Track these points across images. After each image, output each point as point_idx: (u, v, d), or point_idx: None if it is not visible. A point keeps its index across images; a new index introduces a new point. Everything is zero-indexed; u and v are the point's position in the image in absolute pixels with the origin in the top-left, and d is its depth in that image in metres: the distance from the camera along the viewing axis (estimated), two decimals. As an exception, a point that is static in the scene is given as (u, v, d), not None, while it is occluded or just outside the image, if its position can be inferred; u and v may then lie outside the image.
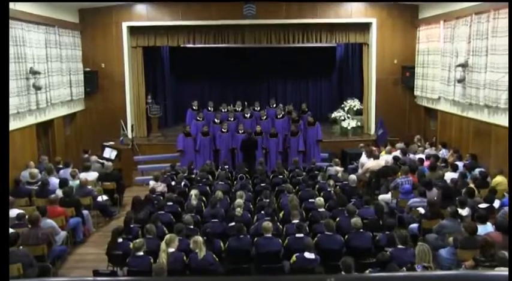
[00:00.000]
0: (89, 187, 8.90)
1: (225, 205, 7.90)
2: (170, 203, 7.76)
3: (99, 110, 13.52)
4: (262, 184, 9.02)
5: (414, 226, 7.36)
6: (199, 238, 5.77)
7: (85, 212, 8.33)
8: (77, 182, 8.85)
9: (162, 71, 15.89)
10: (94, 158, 10.66)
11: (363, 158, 10.71)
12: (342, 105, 14.51)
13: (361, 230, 6.36)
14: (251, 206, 8.02)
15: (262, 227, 6.26)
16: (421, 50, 12.85)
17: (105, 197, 9.29)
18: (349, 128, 13.64)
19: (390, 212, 8.47)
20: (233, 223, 6.70)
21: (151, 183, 9.15)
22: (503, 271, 1.63)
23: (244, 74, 16.71)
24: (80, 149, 12.21)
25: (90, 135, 13.23)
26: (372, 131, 13.66)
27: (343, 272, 5.01)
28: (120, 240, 6.25)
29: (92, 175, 9.49)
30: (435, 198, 7.69)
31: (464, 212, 6.97)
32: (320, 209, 7.27)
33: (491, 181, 8.40)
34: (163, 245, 5.70)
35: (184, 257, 5.80)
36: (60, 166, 9.84)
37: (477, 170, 8.78)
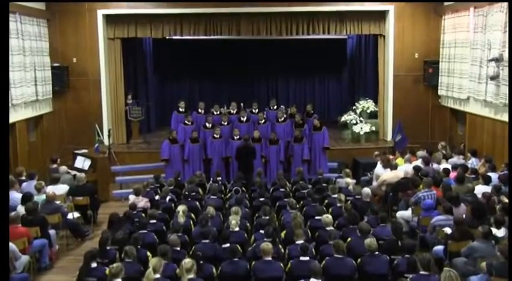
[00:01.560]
0: (58, 202, 8.88)
1: (217, 223, 7.89)
2: (153, 221, 7.76)
3: (70, 112, 13.55)
4: (261, 199, 9.03)
5: (439, 248, 7.37)
6: (188, 262, 5.76)
7: (52, 232, 8.30)
8: (43, 196, 8.83)
9: (145, 67, 15.96)
10: (64, 168, 10.65)
11: (378, 168, 10.72)
12: (354, 107, 14.59)
13: (377, 252, 6.36)
14: (248, 224, 8.01)
15: (261, 249, 6.25)
16: (447, 42, 12.95)
17: (76, 215, 9.26)
18: (361, 133, 13.70)
19: (410, 232, 8.52)
20: (227, 244, 6.69)
21: (132, 198, 9.13)
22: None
23: (240, 70, 16.80)
24: (46, 158, 12.21)
25: (59, 142, 13.25)
26: (389, 137, 13.71)
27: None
28: (94, 265, 6.23)
29: (61, 189, 9.48)
30: (463, 216, 7.71)
31: (499, 232, 6.97)
32: (328, 228, 7.27)
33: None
34: (150, 274, 5.65)
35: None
36: (23, 178, 9.81)
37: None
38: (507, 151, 10.28)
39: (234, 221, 7.36)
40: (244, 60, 16.59)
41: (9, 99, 10.73)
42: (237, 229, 7.32)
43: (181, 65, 16.82)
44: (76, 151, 11.86)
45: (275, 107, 13.44)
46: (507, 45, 9.98)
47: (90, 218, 9.67)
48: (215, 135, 12.11)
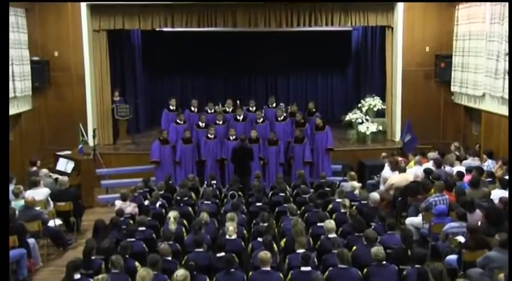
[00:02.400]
0: (38, 208, 8.87)
1: (212, 230, 7.90)
2: (142, 229, 7.76)
3: (51, 110, 13.54)
4: (259, 204, 9.05)
5: (452, 257, 7.38)
6: (181, 275, 5.75)
7: (31, 240, 8.29)
8: (22, 202, 8.81)
9: (133, 62, 15.97)
10: (44, 171, 10.62)
11: (386, 171, 10.76)
12: (359, 105, 14.61)
13: (384, 262, 6.37)
14: (245, 231, 8.03)
15: (259, 259, 6.26)
16: (461, 34, 12.98)
17: (58, 222, 9.25)
18: (368, 133, 13.73)
19: (421, 240, 8.54)
20: (222, 253, 6.69)
21: (118, 203, 9.14)
22: None
23: (237, 65, 16.82)
24: (25, 160, 12.18)
25: (39, 143, 13.23)
26: (397, 138, 13.75)
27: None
28: (77, 276, 6.22)
29: (42, 193, 9.46)
30: (479, 222, 7.72)
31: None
32: (331, 236, 7.28)
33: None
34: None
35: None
36: None
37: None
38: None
39: (230, 228, 7.36)
40: (240, 55, 16.60)
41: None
42: (233, 236, 7.33)
43: (173, 60, 16.82)
44: (58, 153, 11.85)
45: (274, 105, 13.46)
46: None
47: (73, 225, 9.65)
48: (209, 136, 12.12)
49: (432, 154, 11.28)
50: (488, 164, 10.54)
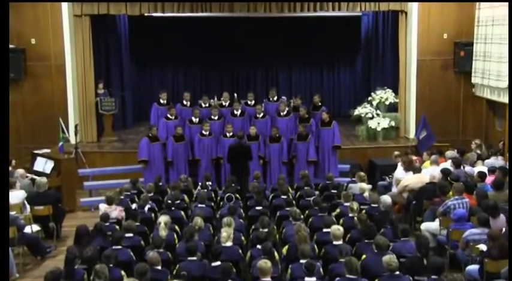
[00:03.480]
0: (13, 212, 8.86)
1: (206, 236, 7.92)
2: (129, 235, 7.75)
3: (28, 104, 13.53)
4: (259, 208, 9.06)
5: (473, 268, 7.38)
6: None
7: (7, 248, 8.28)
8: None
9: (119, 51, 15.98)
10: (20, 172, 10.63)
11: (399, 171, 10.77)
12: (369, 98, 14.59)
13: (397, 272, 6.35)
14: (243, 238, 8.03)
15: (258, 268, 6.26)
16: (483, 19, 12.95)
17: (36, 228, 9.25)
18: (379, 129, 13.76)
19: (438, 248, 8.53)
20: (218, 262, 6.69)
21: (103, 207, 9.14)
22: None
23: (234, 55, 16.81)
24: (-1, 159, 12.18)
25: (14, 140, 13.19)
26: (412, 134, 13.76)
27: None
28: (57, 288, 6.22)
29: (17, 196, 9.45)
30: (503, 229, 7.71)
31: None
32: (338, 243, 7.28)
33: None
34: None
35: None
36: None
37: None
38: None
39: (226, 234, 7.36)
40: (238, 43, 16.59)
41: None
42: (229, 244, 7.32)
43: (163, 48, 16.81)
44: (35, 151, 11.83)
45: (275, 99, 13.46)
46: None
47: (53, 231, 9.65)
48: (203, 132, 12.13)
49: (450, 153, 11.29)
50: (514, 164, 10.57)
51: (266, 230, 7.71)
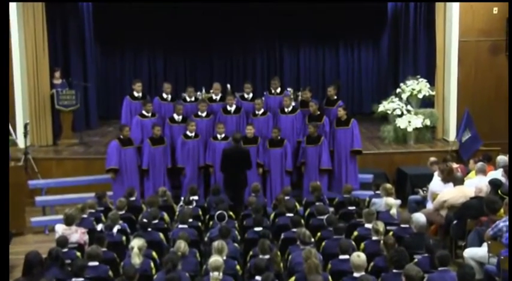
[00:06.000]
0: None
1: (191, 265, 7.87)
2: (94, 264, 7.68)
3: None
4: (258, 229, 8.98)
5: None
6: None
7: None
8: None
9: (81, 33, 16.01)
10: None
11: (436, 183, 10.73)
12: (398, 91, 14.58)
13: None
14: (238, 267, 7.99)
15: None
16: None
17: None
18: (409, 129, 13.74)
19: (486, 280, 8.50)
20: (206, 299, 6.68)
21: (60, 228, 9.09)
22: None
23: (226, 35, 16.79)
24: None
25: None
26: (452, 136, 13.76)
27: None
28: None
29: None
30: None
31: None
32: (359, 274, 7.26)
33: None
34: None
35: None
36: None
37: None
38: None
39: (216, 261, 7.32)
40: (231, 21, 16.57)
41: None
42: (220, 276, 7.28)
43: (137, 29, 16.78)
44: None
45: (279, 91, 13.42)
46: None
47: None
48: (188, 133, 12.11)
49: (502, 159, 11.22)
50: None
51: (267, 257, 7.68)
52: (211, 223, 9.71)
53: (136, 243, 7.89)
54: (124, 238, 8.97)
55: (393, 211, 9.72)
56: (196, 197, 10.74)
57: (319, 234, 8.92)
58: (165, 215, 9.91)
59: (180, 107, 12.65)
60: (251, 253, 8.29)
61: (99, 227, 9.34)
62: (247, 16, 16.51)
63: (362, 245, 8.35)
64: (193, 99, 13.18)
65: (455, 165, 11.53)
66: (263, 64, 17.74)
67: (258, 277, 7.20)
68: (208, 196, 11.64)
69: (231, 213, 9.90)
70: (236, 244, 8.70)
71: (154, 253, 8.28)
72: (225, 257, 7.57)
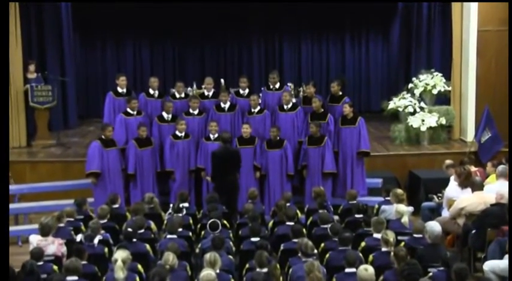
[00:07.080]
0: None
1: (181, 280, 7.87)
2: (73, 278, 7.68)
3: None
4: (255, 239, 8.99)
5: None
6: None
7: None
8: None
9: (58, 22, 16.03)
10: None
11: (452, 188, 10.74)
12: (410, 86, 14.60)
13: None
14: (233, 282, 7.99)
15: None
16: None
17: None
18: (423, 129, 13.77)
19: (509, 296, 8.50)
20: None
21: (35, 239, 9.09)
22: None
23: (219, 25, 16.83)
24: None
25: None
26: (470, 136, 13.79)
27: None
28: None
29: None
30: None
31: None
32: (368, 289, 7.26)
33: None
34: None
35: None
36: None
37: None
38: None
39: (209, 275, 7.30)
40: (226, 9, 16.58)
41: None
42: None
43: (121, 18, 16.78)
44: None
45: (278, 86, 13.41)
46: None
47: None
48: (178, 133, 12.12)
49: (525, 161, 11.29)
50: None
51: (265, 270, 7.69)
52: (203, 232, 9.71)
53: (120, 255, 7.85)
54: (106, 249, 8.95)
55: (405, 219, 9.69)
56: (186, 204, 10.73)
57: (322, 245, 8.92)
58: (152, 224, 9.90)
59: (170, 104, 12.67)
60: (247, 265, 8.29)
61: (79, 237, 9.29)
62: (243, 3, 16.45)
63: (370, 257, 8.36)
64: (183, 95, 13.19)
65: (473, 168, 11.57)
66: (260, 57, 17.75)
67: (255, 293, 7.21)
68: (201, 205, 11.67)
69: (225, 222, 9.89)
70: (231, 256, 8.69)
71: (139, 266, 8.26)
72: (218, 271, 7.58)
